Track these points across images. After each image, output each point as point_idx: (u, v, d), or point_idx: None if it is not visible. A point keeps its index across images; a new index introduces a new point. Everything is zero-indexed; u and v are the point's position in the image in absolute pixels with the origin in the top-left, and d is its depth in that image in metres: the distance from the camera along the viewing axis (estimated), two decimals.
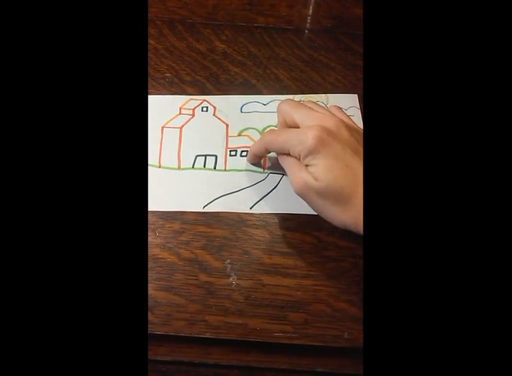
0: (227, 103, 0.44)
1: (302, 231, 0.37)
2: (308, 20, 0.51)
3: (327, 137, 0.33)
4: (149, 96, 0.44)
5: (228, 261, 0.36)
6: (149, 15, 0.49)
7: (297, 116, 0.36)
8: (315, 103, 0.39)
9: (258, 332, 0.33)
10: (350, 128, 0.35)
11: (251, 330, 0.33)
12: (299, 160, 0.34)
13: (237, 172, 0.40)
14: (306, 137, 0.33)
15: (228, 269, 0.35)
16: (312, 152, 0.32)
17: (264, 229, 0.37)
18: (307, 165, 0.33)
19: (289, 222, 0.38)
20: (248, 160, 0.40)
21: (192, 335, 0.33)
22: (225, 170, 0.40)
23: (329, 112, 0.37)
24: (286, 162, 0.36)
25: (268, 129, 0.42)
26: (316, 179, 0.33)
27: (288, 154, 0.35)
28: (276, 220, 0.38)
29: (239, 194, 0.39)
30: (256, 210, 0.38)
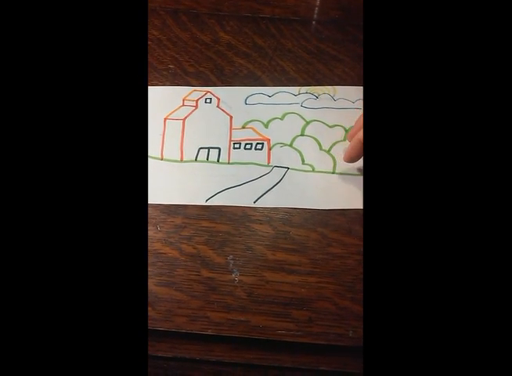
0: (231, 95, 0.43)
1: (307, 227, 0.36)
2: (316, 11, 0.50)
3: None
4: (152, 88, 0.43)
5: (231, 256, 0.35)
6: (152, 5, 0.48)
7: None
8: None
9: (261, 329, 0.32)
10: None
11: (254, 328, 0.32)
12: None
13: (241, 165, 0.39)
14: None
15: (231, 265, 0.35)
16: None
17: (267, 225, 0.36)
18: None
19: (293, 218, 0.37)
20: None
21: (194, 332, 0.32)
22: (228, 163, 0.39)
23: None
24: None
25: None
26: None
27: None
28: (280, 215, 0.37)
29: (243, 188, 0.38)
30: (260, 204, 0.37)
